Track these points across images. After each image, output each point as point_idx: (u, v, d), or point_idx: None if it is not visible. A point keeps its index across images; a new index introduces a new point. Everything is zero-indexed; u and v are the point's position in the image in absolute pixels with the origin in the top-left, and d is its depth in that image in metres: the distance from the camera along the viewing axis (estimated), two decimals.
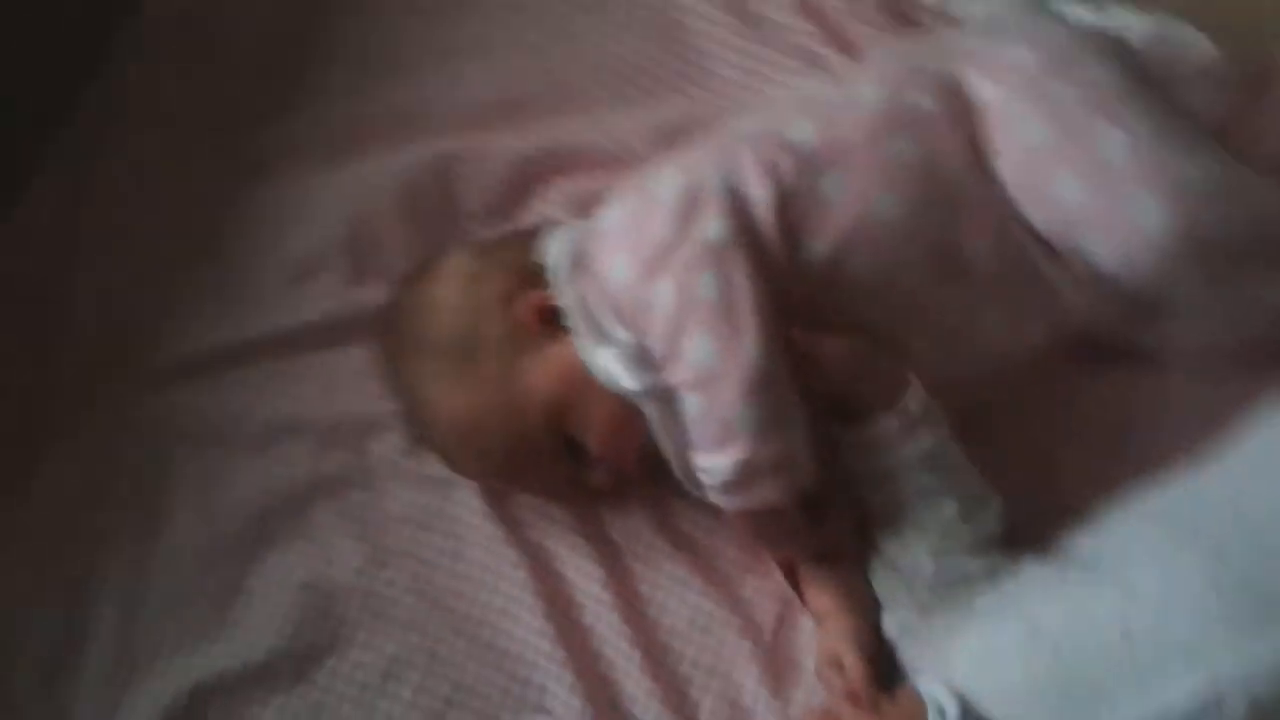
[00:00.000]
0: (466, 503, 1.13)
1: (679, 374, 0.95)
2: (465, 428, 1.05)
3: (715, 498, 0.97)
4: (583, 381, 1.01)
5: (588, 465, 1.05)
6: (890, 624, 1.00)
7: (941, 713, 0.89)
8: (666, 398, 0.97)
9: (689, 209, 0.97)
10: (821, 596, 1.02)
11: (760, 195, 0.99)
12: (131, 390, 1.21)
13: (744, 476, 0.94)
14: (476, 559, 1.11)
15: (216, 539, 1.14)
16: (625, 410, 1.00)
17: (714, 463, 0.94)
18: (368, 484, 1.16)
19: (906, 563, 0.99)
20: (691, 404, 0.95)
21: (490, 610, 1.09)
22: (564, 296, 1.03)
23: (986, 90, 1.00)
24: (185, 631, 1.11)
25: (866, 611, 1.01)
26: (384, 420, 1.16)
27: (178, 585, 1.13)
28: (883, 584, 1.01)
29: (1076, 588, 0.92)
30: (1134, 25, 1.13)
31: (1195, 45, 1.13)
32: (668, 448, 1.00)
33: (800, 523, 1.00)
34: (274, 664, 1.09)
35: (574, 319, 1.02)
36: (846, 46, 1.25)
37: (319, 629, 1.10)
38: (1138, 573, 0.89)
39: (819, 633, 1.02)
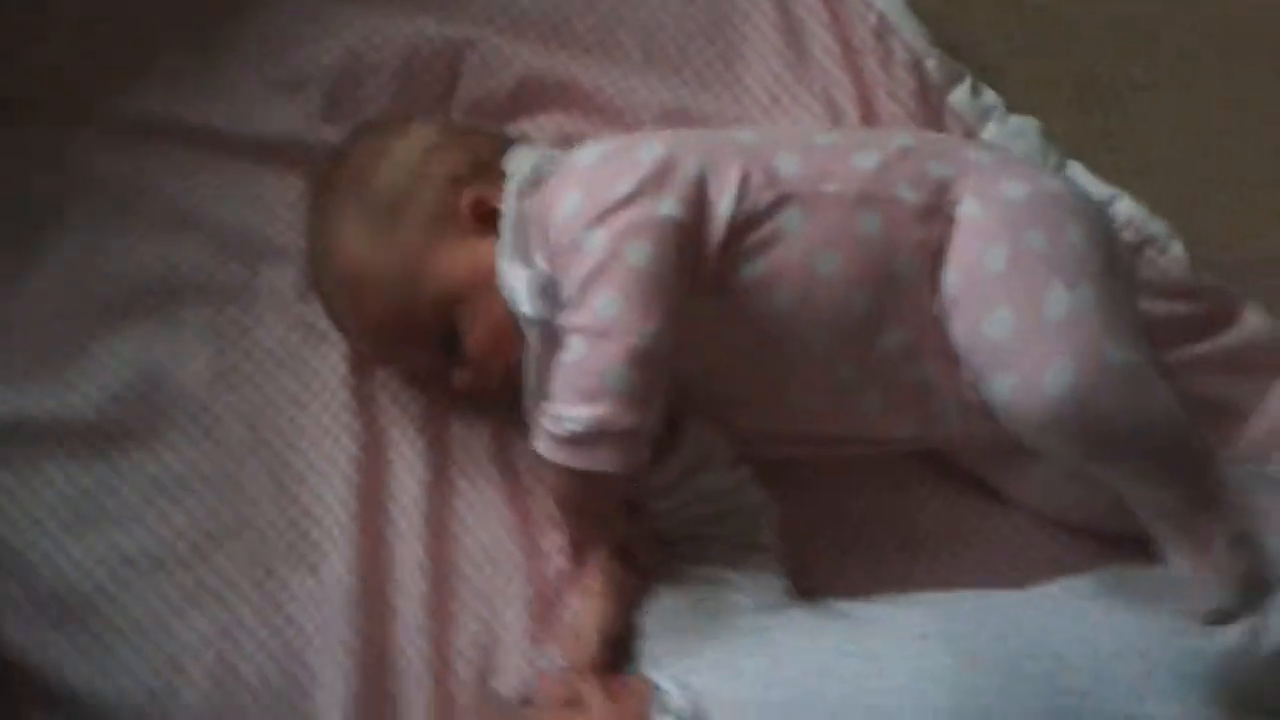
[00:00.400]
0: (331, 362, 1.13)
1: (577, 319, 0.96)
2: (359, 278, 1.05)
3: (551, 448, 0.97)
4: (486, 285, 1.02)
5: (455, 363, 1.07)
6: (652, 616, 1.02)
7: (666, 707, 0.92)
8: (554, 337, 0.98)
9: (658, 179, 0.99)
10: (593, 576, 1.05)
11: (725, 202, 1.00)
12: (63, 126, 1.19)
13: (593, 435, 0.95)
14: (316, 415, 1.12)
15: (82, 293, 1.13)
16: (510, 329, 1.01)
17: (573, 413, 0.95)
18: (248, 306, 1.15)
19: (684, 568, 1.03)
20: (575, 349, 0.96)
21: (307, 465, 1.10)
22: (508, 205, 1.04)
23: (971, 206, 1.02)
24: (11, 364, 1.10)
25: (626, 605, 1.03)
26: (290, 253, 1.16)
27: (27, 320, 1.12)
28: (662, 583, 1.04)
29: (834, 642, 0.95)
30: (1120, 206, 1.15)
31: (1168, 249, 1.15)
32: (531, 383, 1.01)
33: (614, 503, 1.02)
34: (79, 430, 1.09)
35: (506, 229, 1.03)
36: (870, 116, 1.26)
37: (137, 416, 1.10)
38: (894, 654, 0.92)
39: (576, 605, 1.05)
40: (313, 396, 1.12)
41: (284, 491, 1.09)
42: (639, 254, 0.96)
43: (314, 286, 1.13)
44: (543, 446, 0.98)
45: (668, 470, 1.03)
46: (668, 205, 0.98)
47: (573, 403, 0.95)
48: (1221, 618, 0.94)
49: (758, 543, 1.04)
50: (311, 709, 1.02)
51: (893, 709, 0.89)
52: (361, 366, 1.14)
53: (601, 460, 0.96)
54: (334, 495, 1.09)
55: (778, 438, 1.08)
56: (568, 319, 0.97)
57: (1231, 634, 0.93)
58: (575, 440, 0.96)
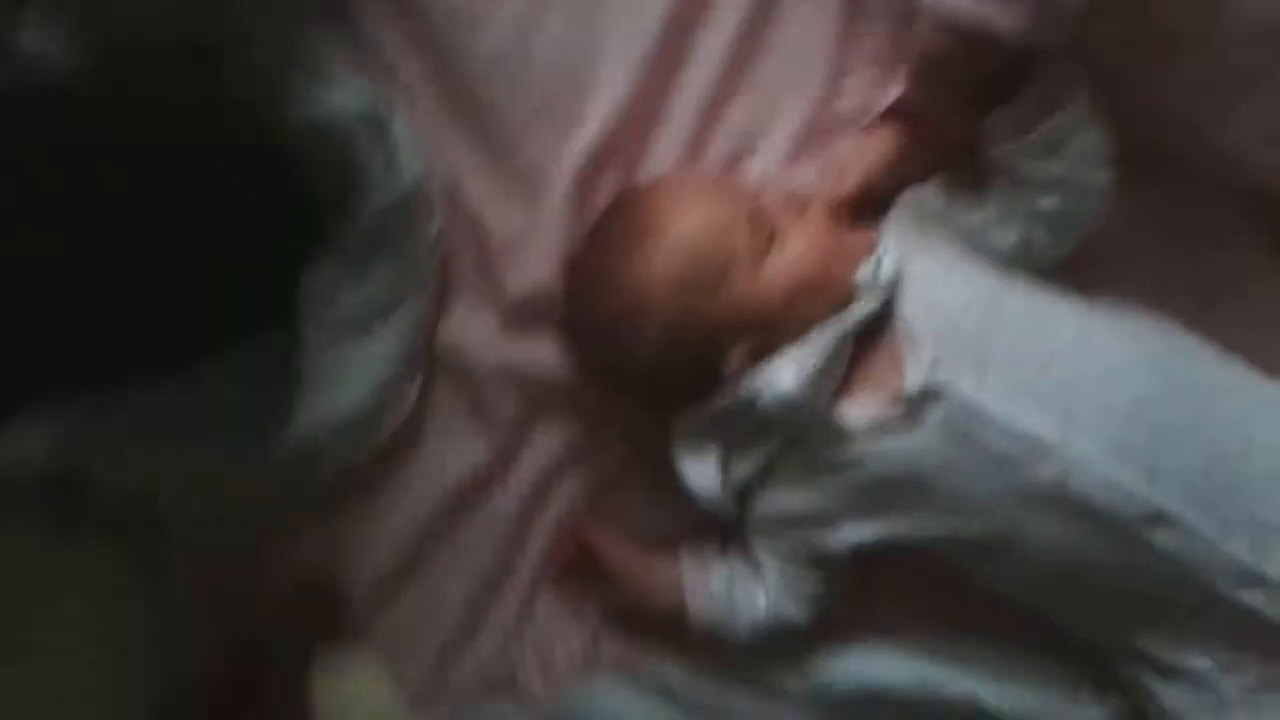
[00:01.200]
0: None
1: None
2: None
3: None
4: None
5: None
6: (904, 204, 1.03)
7: (875, 269, 0.96)
8: None
9: None
10: (889, 128, 1.02)
11: None
12: None
13: None
14: None
15: None
16: None
17: None
18: None
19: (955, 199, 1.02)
20: None
21: None
22: None
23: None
24: None
25: (901, 171, 1.02)
26: None
27: None
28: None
29: (1058, 303, 0.97)
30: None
31: None
32: None
33: (977, 80, 0.94)
34: None
35: None
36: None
37: None
38: (1108, 341, 0.95)
39: (853, 142, 1.05)
40: None
41: None
42: None
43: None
44: None
45: (1021, 108, 0.94)
46: None
47: None
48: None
49: (1047, 242, 0.98)
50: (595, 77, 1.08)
51: (1078, 379, 0.92)
52: None
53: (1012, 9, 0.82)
54: None
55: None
56: None
57: None
58: None
